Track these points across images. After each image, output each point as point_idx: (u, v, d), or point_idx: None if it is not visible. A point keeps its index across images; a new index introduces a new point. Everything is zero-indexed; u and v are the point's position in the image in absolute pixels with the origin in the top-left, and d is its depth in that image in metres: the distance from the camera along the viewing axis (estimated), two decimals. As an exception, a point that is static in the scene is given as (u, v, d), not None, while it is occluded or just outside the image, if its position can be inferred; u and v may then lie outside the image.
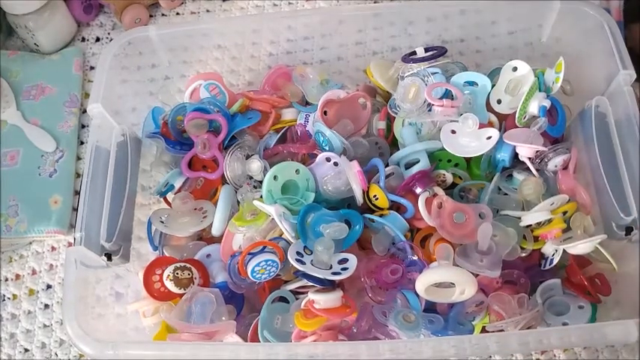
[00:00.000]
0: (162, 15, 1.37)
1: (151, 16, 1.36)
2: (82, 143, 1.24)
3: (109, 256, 0.96)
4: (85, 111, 1.26)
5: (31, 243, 1.16)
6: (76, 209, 1.16)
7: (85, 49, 1.34)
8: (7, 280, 1.13)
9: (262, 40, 1.22)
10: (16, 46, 1.35)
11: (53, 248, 1.16)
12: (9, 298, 1.12)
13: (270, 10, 1.35)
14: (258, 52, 1.24)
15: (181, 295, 0.96)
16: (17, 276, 1.14)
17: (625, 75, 0.96)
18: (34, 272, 1.14)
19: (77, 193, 1.18)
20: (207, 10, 1.37)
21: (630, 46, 1.31)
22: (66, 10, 1.31)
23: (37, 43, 1.30)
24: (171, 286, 0.95)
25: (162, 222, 1.01)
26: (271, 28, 1.21)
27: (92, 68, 1.32)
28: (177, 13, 1.37)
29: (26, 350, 1.08)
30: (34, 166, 1.18)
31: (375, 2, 1.33)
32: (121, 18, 1.32)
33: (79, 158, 1.22)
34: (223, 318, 0.93)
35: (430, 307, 0.94)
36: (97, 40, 1.35)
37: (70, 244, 1.14)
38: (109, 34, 1.36)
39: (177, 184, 1.07)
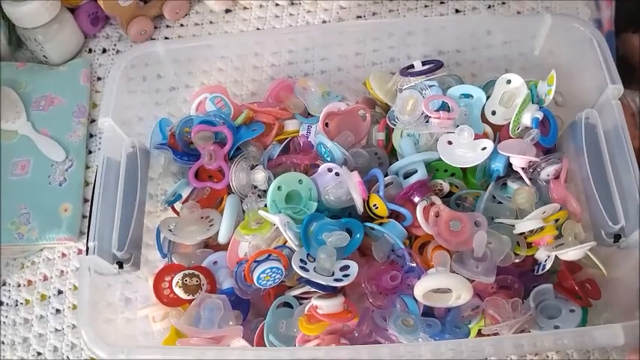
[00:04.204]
0: (167, 26, 1.39)
1: (155, 27, 1.38)
2: (90, 152, 1.26)
3: (120, 265, 0.98)
4: (92, 121, 1.29)
5: (42, 250, 1.18)
6: (85, 217, 1.18)
7: (92, 60, 1.36)
8: (19, 285, 1.16)
9: (265, 52, 1.24)
10: (25, 58, 1.37)
11: (64, 255, 1.18)
12: (22, 304, 1.14)
13: (272, 22, 1.37)
14: (260, 62, 1.26)
15: (190, 301, 0.98)
16: (29, 282, 1.16)
17: (613, 89, 0.98)
18: (45, 278, 1.16)
19: (86, 201, 1.20)
20: (211, 22, 1.39)
21: (622, 54, 1.35)
22: (73, 23, 1.33)
23: (45, 55, 1.32)
24: (180, 292, 0.97)
25: (170, 230, 1.03)
26: (273, 40, 1.24)
27: (99, 79, 1.34)
28: (182, 25, 1.39)
29: (39, 354, 1.10)
30: (44, 175, 1.20)
31: (373, 14, 1.36)
32: (127, 30, 1.34)
33: (87, 167, 1.24)
34: (230, 323, 0.95)
35: (428, 312, 0.96)
36: (104, 51, 1.37)
37: (79, 251, 1.17)
38: (115, 45, 1.38)
39: (185, 194, 1.10)
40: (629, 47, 1.36)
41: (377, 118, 1.13)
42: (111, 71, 1.10)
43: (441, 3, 1.35)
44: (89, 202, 1.06)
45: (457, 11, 1.34)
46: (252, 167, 1.06)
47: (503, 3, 1.33)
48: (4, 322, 1.14)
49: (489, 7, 1.33)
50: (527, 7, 1.32)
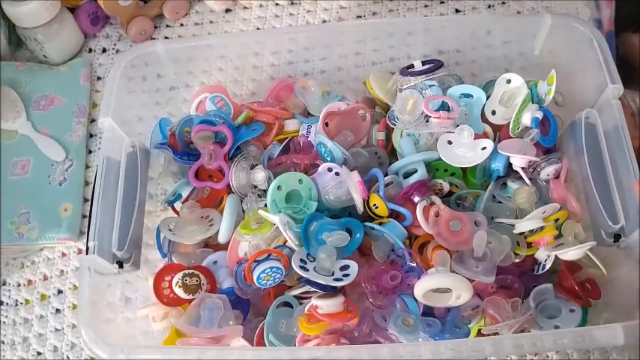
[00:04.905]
0: (167, 26, 1.39)
1: (155, 27, 1.39)
2: (90, 152, 1.26)
3: (120, 264, 0.99)
4: (92, 120, 1.29)
5: (42, 249, 1.19)
6: (85, 216, 1.19)
7: (92, 60, 1.36)
8: (19, 285, 1.16)
9: (265, 51, 1.24)
10: (25, 58, 1.37)
11: (63, 254, 1.18)
12: (22, 303, 1.14)
13: (272, 21, 1.38)
14: (260, 62, 1.26)
15: (190, 301, 0.98)
16: (29, 281, 1.16)
17: (613, 89, 0.99)
18: (45, 278, 1.16)
19: (86, 200, 1.20)
20: (211, 22, 1.39)
21: (622, 54, 1.35)
22: (73, 23, 1.33)
23: (45, 55, 1.32)
24: (180, 292, 0.98)
25: (170, 230, 1.04)
26: (273, 39, 1.25)
27: (99, 79, 1.34)
28: (182, 25, 1.39)
29: (39, 353, 1.11)
30: (44, 174, 1.21)
31: (373, 14, 1.37)
32: (127, 30, 1.34)
33: (87, 167, 1.24)
34: (230, 322, 0.96)
35: (428, 311, 0.96)
36: (104, 51, 1.38)
37: (79, 251, 1.17)
38: (114, 45, 1.38)
39: (185, 194, 1.10)
40: (629, 47, 1.37)
41: (377, 118, 1.13)
42: (111, 71, 1.10)
43: (441, 3, 1.35)
44: (89, 202, 1.06)
45: (457, 11, 1.34)
46: (252, 167, 1.06)
47: (504, 3, 1.33)
48: (4, 322, 1.14)
49: (489, 6, 1.34)
50: (527, 7, 1.32)
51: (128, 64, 1.11)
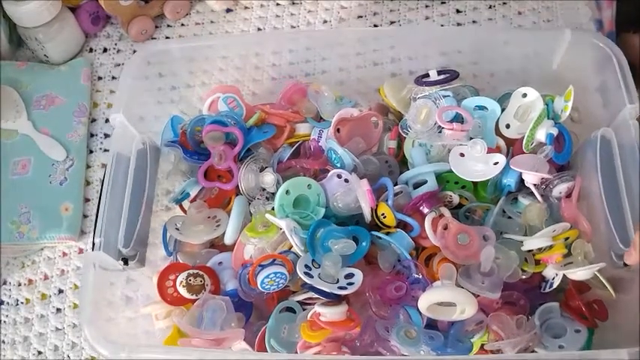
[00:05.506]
0: (168, 26, 1.47)
1: (156, 27, 1.46)
2: (90, 152, 1.33)
3: (125, 261, 1.04)
4: (93, 120, 1.36)
5: (42, 249, 1.25)
6: (86, 216, 1.25)
7: (93, 60, 1.44)
8: (20, 285, 1.22)
9: (265, 52, 1.32)
10: (25, 57, 1.44)
11: (64, 254, 1.24)
12: (22, 303, 1.21)
13: (273, 21, 1.45)
14: (261, 62, 1.33)
15: (193, 301, 1.04)
16: (30, 281, 1.23)
17: (631, 109, 1.03)
18: (45, 277, 1.23)
19: (87, 200, 1.27)
20: (212, 22, 1.47)
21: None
22: (74, 22, 1.40)
23: (46, 55, 1.39)
24: (183, 292, 1.03)
25: (177, 229, 1.09)
26: (274, 40, 1.33)
27: (100, 78, 1.41)
28: (182, 24, 1.47)
29: (39, 353, 1.17)
30: (44, 174, 1.27)
31: (374, 14, 1.44)
32: (128, 29, 1.42)
33: (88, 166, 1.31)
34: (232, 325, 1.01)
35: (431, 324, 1.00)
36: (105, 50, 1.45)
37: (80, 250, 1.23)
38: (115, 44, 1.45)
39: (193, 193, 1.16)
40: (629, 47, 1.38)
41: (389, 126, 1.18)
42: (124, 69, 1.16)
43: (442, 3, 1.42)
44: (90, 202, 1.14)
45: (458, 11, 1.41)
46: (262, 169, 1.11)
47: (504, 3, 1.40)
48: (4, 322, 1.20)
49: (490, 7, 1.40)
50: (528, 7, 1.38)
51: (142, 61, 1.17)
